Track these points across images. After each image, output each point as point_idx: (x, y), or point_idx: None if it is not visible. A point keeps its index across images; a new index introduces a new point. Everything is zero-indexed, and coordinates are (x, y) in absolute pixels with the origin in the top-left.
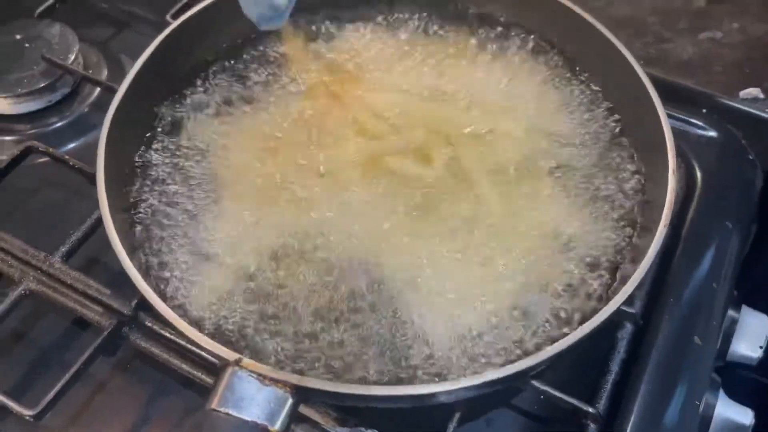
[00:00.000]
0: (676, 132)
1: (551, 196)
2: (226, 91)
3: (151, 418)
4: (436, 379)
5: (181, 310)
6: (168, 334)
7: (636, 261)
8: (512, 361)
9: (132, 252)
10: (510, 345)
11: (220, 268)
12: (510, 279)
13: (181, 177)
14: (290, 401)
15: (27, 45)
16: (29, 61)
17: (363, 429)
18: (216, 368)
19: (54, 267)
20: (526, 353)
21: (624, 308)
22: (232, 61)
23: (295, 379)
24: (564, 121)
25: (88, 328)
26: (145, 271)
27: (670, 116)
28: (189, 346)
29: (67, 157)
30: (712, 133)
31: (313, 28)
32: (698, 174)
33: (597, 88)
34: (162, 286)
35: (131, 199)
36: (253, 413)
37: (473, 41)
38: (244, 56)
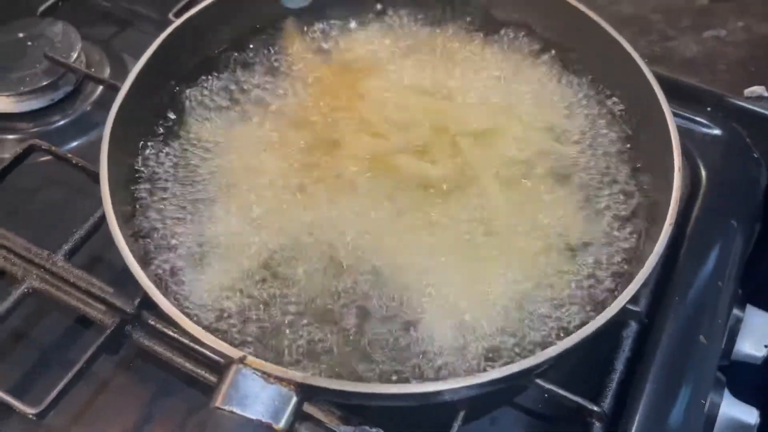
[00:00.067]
0: (680, 130)
1: (556, 194)
2: (229, 89)
3: (154, 417)
4: (441, 378)
5: (184, 307)
6: (171, 333)
7: (641, 259)
8: (517, 360)
9: (135, 250)
10: (514, 343)
11: (223, 266)
12: (514, 277)
13: (183, 175)
14: (295, 399)
15: (29, 43)
16: (32, 59)
17: (367, 428)
18: (220, 366)
19: (57, 265)
20: (531, 352)
21: (629, 307)
22: (234, 60)
23: (299, 377)
24: (569, 120)
25: (91, 326)
26: (149, 270)
27: (674, 114)
28: (192, 344)
29: (69, 155)
30: (717, 132)
31: (318, 25)
32: (703, 172)
33: (602, 87)
34: (165, 284)
35: (134, 198)
36: (257, 411)
37: (478, 39)
38: (247, 54)
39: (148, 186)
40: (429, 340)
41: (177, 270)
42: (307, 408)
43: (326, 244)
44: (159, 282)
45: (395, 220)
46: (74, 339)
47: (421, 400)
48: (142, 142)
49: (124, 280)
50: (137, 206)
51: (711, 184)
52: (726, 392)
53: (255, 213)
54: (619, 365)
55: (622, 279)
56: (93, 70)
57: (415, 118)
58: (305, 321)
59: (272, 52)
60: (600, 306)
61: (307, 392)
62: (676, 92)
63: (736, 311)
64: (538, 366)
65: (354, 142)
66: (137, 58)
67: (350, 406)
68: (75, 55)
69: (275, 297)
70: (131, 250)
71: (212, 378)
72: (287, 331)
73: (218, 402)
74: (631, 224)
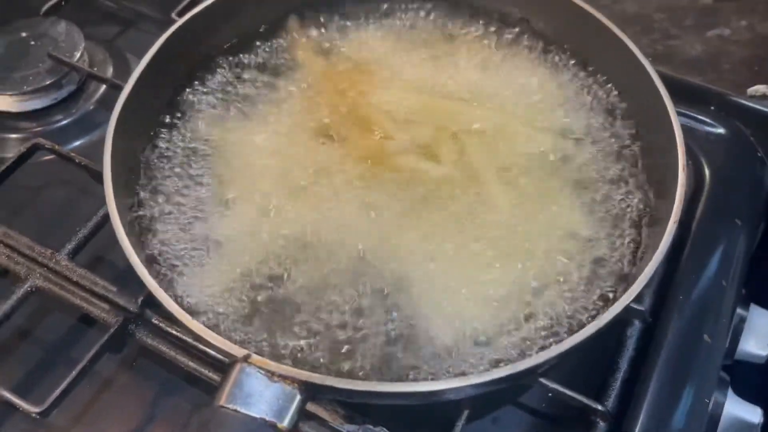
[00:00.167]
0: (684, 129)
1: (559, 193)
2: (232, 88)
3: (157, 416)
4: (445, 377)
5: (187, 306)
6: (175, 331)
7: (645, 258)
8: (521, 358)
9: (138, 249)
10: (518, 342)
11: (226, 265)
12: (518, 276)
13: (187, 174)
14: (298, 398)
15: (33, 43)
16: (35, 58)
17: (371, 427)
18: (223, 365)
19: (60, 264)
20: (534, 351)
21: (633, 306)
22: (237, 58)
23: (303, 375)
24: (572, 118)
25: (95, 325)
26: (152, 268)
27: (678, 113)
28: (196, 342)
29: (73, 154)
30: (721, 131)
31: (321, 23)
32: (707, 171)
33: (605, 85)
34: (168, 283)
35: (137, 196)
36: (261, 410)
37: (481, 38)
38: (250, 53)
39: (151, 185)
40: (432, 339)
41: (180, 269)
42: (311, 407)
43: (329, 244)
44: (162, 281)
45: (398, 219)
46: (77, 338)
47: (424, 398)
48: (145, 141)
49: (127, 278)
50: (140, 205)
51: (715, 183)
52: (730, 391)
53: (258, 213)
54: (623, 364)
55: (626, 278)
56: (96, 69)
57: (419, 117)
58: (308, 320)
59: (275, 51)
60: (604, 305)
61: (310, 391)
62: (680, 91)
63: (740, 310)
64: (541, 365)
65: (357, 141)
66: (140, 57)
67: (354, 405)
68: (78, 55)
69: (278, 296)
70: (134, 249)
71: (215, 377)
72: (290, 330)
73: (222, 401)
74: (634, 223)
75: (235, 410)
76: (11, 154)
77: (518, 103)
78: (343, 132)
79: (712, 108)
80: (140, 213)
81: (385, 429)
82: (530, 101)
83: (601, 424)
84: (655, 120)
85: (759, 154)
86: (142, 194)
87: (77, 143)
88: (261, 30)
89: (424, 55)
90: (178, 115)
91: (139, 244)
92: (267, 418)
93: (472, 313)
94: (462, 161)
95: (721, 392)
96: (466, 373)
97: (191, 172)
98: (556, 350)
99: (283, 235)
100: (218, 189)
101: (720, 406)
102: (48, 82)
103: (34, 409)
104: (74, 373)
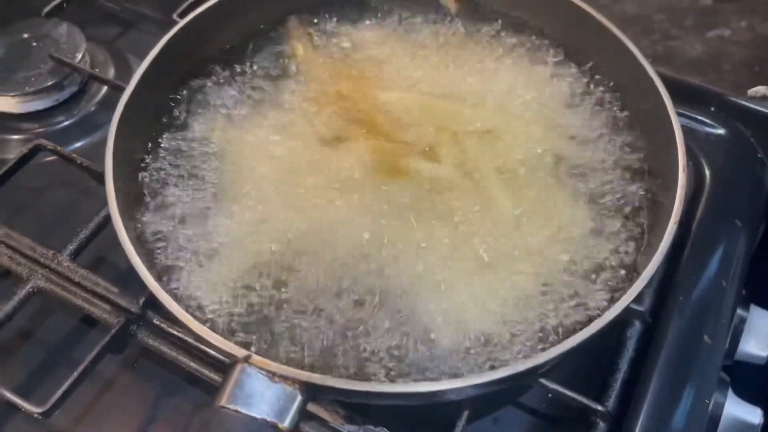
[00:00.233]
0: (684, 130)
1: (559, 194)
2: (233, 89)
3: (158, 416)
4: (445, 377)
5: (189, 307)
6: (176, 332)
7: (645, 259)
8: (521, 359)
9: (140, 250)
10: (519, 342)
11: (227, 266)
12: (518, 277)
13: (188, 175)
14: (299, 398)
15: (34, 44)
16: (37, 60)
17: (371, 427)
18: (224, 366)
19: (62, 265)
20: (535, 351)
21: (633, 306)
22: (238, 60)
23: (304, 376)
24: (572, 119)
25: (96, 326)
26: (153, 269)
27: (678, 114)
28: (197, 343)
29: (74, 155)
30: (721, 131)
31: (322, 26)
32: (707, 172)
33: (605, 86)
34: (169, 284)
35: (139, 197)
36: (262, 410)
37: (481, 39)
38: (251, 55)
39: (152, 186)
40: (433, 340)
41: (181, 269)
42: (312, 407)
43: (331, 245)
44: (163, 281)
45: (398, 219)
46: (79, 338)
47: (425, 399)
48: (146, 143)
49: (128, 279)
50: (142, 206)
51: (715, 184)
52: (730, 392)
53: (260, 214)
54: (623, 365)
55: (626, 278)
56: (98, 70)
57: (419, 118)
58: (309, 321)
59: (276, 52)
60: (604, 305)
61: (311, 391)
62: (680, 92)
63: (740, 311)
64: (542, 365)
65: (358, 142)
66: (142, 58)
67: (354, 406)
68: (80, 56)
69: (279, 297)
70: (136, 250)
71: (217, 377)
72: (291, 331)
73: (223, 401)
74: (634, 223)
75: (236, 411)
76: (13, 155)
77: (518, 103)
78: (343, 133)
79: (713, 109)
80: (141, 214)
81: (385, 429)
82: (530, 102)
83: (601, 424)
84: (655, 121)
85: (759, 155)
86: (143, 195)
87: (79, 144)
88: (262, 31)
89: (425, 56)
90: (180, 116)
91: (141, 245)
92: (268, 419)
93: (472, 313)
94: (462, 162)
95: (721, 393)
96: (466, 374)
97: (192, 173)
98: (556, 351)
99: (284, 237)
100: (219, 190)
101: (720, 407)
102: (50, 84)
103: (36, 410)
104: (76, 373)
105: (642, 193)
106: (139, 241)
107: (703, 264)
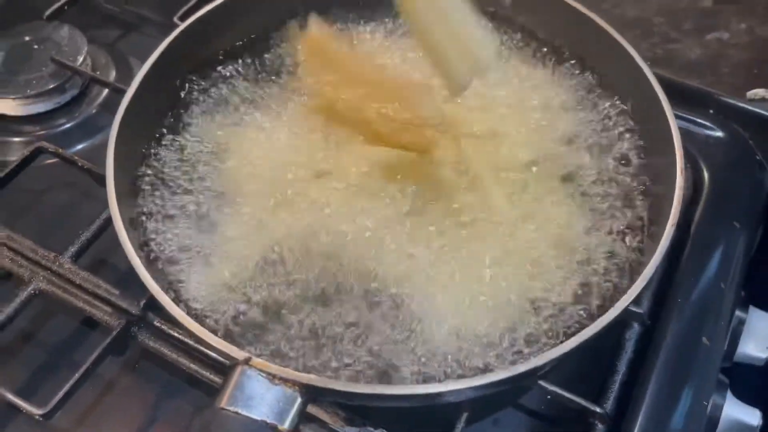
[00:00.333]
0: (683, 132)
1: (558, 196)
2: (234, 92)
3: (159, 418)
4: (445, 379)
5: (189, 309)
6: (177, 334)
7: (643, 261)
8: (520, 361)
9: (141, 252)
10: (517, 344)
11: (228, 268)
12: (517, 279)
13: (189, 177)
14: (299, 400)
15: (36, 47)
16: (38, 62)
17: (371, 429)
18: (224, 368)
19: (63, 267)
20: (533, 353)
21: (632, 308)
22: (239, 63)
23: (304, 378)
24: (571, 122)
25: (97, 327)
26: (154, 271)
27: (677, 116)
28: (198, 345)
29: (76, 157)
30: (720, 134)
31: (321, 27)
32: (705, 174)
33: (604, 89)
34: (170, 286)
35: (140, 200)
36: (262, 412)
37: None
38: (252, 58)
39: (153, 188)
40: (431, 342)
41: (182, 271)
42: (312, 409)
43: (331, 246)
44: (164, 284)
45: (397, 221)
46: (80, 340)
47: (424, 401)
48: (147, 145)
49: (129, 281)
50: (143, 208)
51: (713, 187)
52: (729, 394)
53: (260, 216)
54: (622, 367)
55: (625, 281)
56: (99, 73)
57: (419, 120)
58: (309, 323)
59: (276, 54)
60: (602, 307)
61: (311, 393)
62: (678, 95)
63: (738, 313)
64: (540, 367)
65: (359, 144)
66: (143, 61)
67: (354, 407)
68: (81, 59)
69: (280, 299)
70: (137, 252)
71: (217, 379)
72: (290, 333)
73: (223, 403)
74: (633, 226)
75: (236, 412)
76: (14, 157)
77: (518, 106)
78: (344, 135)
79: (711, 111)
80: (142, 216)
81: (385, 431)
82: (529, 105)
83: (600, 426)
84: (654, 123)
85: (758, 158)
86: (144, 197)
87: (80, 147)
88: (262, 34)
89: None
90: (181, 118)
91: (142, 247)
92: (268, 421)
93: (471, 315)
94: (462, 164)
95: (719, 395)
96: (465, 376)
97: (194, 175)
98: (555, 353)
99: (284, 239)
100: (221, 192)
101: (719, 409)
102: (51, 86)
103: (37, 411)
104: (77, 375)
105: (640, 195)
106: (140, 243)
107: (702, 266)
